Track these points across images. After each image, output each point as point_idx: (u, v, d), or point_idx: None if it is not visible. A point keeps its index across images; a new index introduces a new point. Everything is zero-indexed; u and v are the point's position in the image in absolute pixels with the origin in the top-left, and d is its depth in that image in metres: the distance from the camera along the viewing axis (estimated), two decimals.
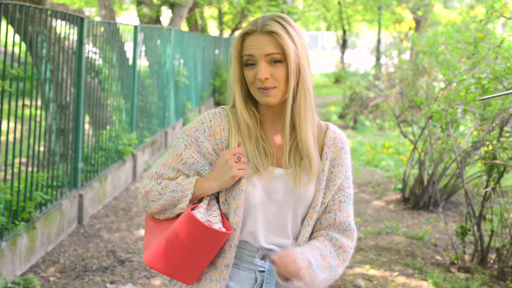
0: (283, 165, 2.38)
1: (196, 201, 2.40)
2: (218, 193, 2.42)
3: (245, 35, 2.34)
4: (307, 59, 2.37)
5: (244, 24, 22.06)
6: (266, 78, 2.27)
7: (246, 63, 2.33)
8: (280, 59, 2.29)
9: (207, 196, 2.39)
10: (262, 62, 2.29)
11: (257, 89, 2.31)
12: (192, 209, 2.33)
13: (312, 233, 2.46)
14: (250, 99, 2.40)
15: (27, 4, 5.72)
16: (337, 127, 2.50)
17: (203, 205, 2.36)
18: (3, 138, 5.45)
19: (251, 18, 20.44)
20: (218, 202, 2.42)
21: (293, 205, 2.38)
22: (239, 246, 2.39)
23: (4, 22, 6.23)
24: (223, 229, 2.31)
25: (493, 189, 5.81)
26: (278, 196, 2.37)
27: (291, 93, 2.33)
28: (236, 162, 2.33)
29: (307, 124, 2.37)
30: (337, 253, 2.40)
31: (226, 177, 2.31)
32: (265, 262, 2.39)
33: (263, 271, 2.40)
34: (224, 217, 2.38)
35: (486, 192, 5.91)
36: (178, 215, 2.38)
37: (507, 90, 5.56)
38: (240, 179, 2.35)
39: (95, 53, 8.29)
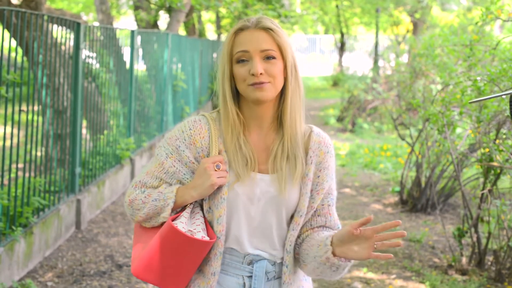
0: (267, 170, 2.37)
1: (179, 209, 2.39)
2: (202, 201, 2.41)
3: (238, 32, 2.34)
4: (296, 58, 2.38)
5: None
6: (261, 73, 2.27)
7: (238, 59, 2.32)
8: (274, 55, 2.30)
9: (190, 204, 2.38)
10: (256, 57, 2.28)
11: (249, 86, 2.29)
12: (174, 219, 2.33)
13: (299, 236, 2.45)
14: (235, 100, 2.38)
15: (24, 9, 5.73)
16: (321, 130, 2.48)
17: (185, 214, 2.35)
18: (0, 143, 5.46)
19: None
20: (202, 209, 2.41)
21: (277, 210, 2.37)
22: (226, 253, 2.39)
23: (0, 27, 6.23)
24: (206, 238, 2.31)
25: (490, 191, 5.82)
26: (260, 202, 2.36)
27: (279, 95, 2.35)
28: (216, 170, 2.31)
29: (297, 123, 2.37)
30: None
31: (205, 185, 2.30)
32: (252, 267, 2.38)
33: (251, 276, 2.39)
34: (209, 225, 2.37)
35: (483, 194, 5.91)
36: (163, 224, 2.38)
37: (503, 92, 5.57)
38: (221, 187, 2.33)
39: (92, 58, 8.29)
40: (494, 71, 5.53)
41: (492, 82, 5.58)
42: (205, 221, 2.38)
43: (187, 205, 2.38)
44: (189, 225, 2.33)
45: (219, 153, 2.37)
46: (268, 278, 2.41)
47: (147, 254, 2.34)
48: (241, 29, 2.33)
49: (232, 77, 2.36)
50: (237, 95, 2.38)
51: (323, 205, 2.43)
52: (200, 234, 2.30)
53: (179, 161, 2.38)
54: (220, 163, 2.33)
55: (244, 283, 2.40)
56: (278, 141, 2.37)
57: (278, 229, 2.40)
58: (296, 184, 2.37)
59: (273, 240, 2.40)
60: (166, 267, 2.33)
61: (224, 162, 2.34)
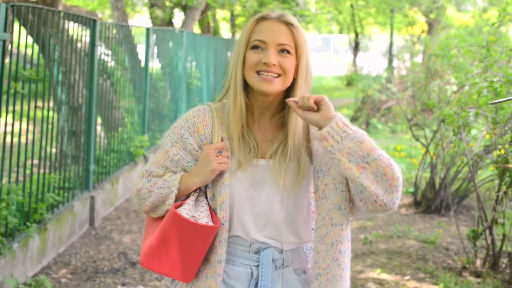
0: (267, 156, 2.39)
1: (184, 197, 2.41)
2: (206, 188, 2.42)
3: (260, 19, 2.35)
4: (310, 60, 2.39)
5: None
6: (274, 64, 2.28)
7: (253, 46, 2.32)
8: (290, 51, 2.31)
9: (195, 192, 2.40)
10: (272, 49, 2.30)
11: (256, 73, 2.30)
12: (178, 206, 2.35)
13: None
14: (244, 88, 2.38)
15: (40, 6, 5.74)
16: None
17: (189, 201, 2.37)
18: (16, 139, 5.49)
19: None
20: (207, 197, 2.42)
21: (280, 196, 2.37)
22: (231, 242, 2.40)
23: (17, 24, 6.25)
24: (210, 224, 2.32)
25: (505, 193, 5.79)
26: (263, 188, 2.37)
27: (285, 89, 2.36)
28: (217, 156, 2.33)
29: (301, 125, 2.39)
30: (397, 168, 2.21)
31: (206, 171, 2.33)
32: (259, 256, 2.38)
33: (258, 266, 2.39)
34: (213, 212, 2.38)
35: (498, 196, 5.88)
36: None
37: None
38: (223, 173, 2.36)
39: (108, 55, 8.31)
40: (510, 72, 5.50)
41: (508, 83, 5.54)
42: (209, 209, 2.39)
43: (191, 193, 2.40)
44: (194, 212, 2.36)
45: (221, 140, 2.39)
46: (276, 266, 2.41)
47: (153, 243, 2.36)
48: (263, 18, 2.35)
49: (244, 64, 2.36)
50: (246, 83, 2.38)
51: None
52: (204, 220, 2.32)
53: (183, 149, 2.41)
54: (222, 150, 2.35)
55: (252, 273, 2.40)
56: (281, 140, 2.39)
57: (288, 216, 2.39)
58: (301, 182, 2.37)
59: (280, 227, 2.39)
60: (173, 256, 2.34)
61: (226, 149, 2.37)
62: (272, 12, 2.35)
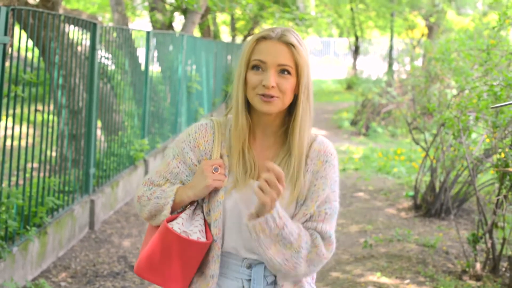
0: None
1: (180, 209, 2.43)
2: (203, 202, 2.44)
3: (260, 39, 2.34)
4: (311, 79, 2.39)
5: (256, 30, 22.08)
6: (272, 87, 2.28)
7: (253, 66, 2.32)
8: (290, 71, 2.31)
9: (191, 205, 2.43)
10: (272, 70, 2.29)
11: (258, 95, 2.31)
12: (172, 219, 2.38)
13: None
14: (246, 107, 2.40)
15: (40, 9, 5.75)
16: (326, 140, 2.46)
17: (183, 215, 2.40)
18: (16, 143, 5.49)
19: (263, 24, 20.47)
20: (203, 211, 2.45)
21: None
22: (225, 256, 2.41)
23: (17, 28, 6.26)
24: (202, 239, 2.34)
25: (505, 196, 5.78)
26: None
27: (287, 108, 2.38)
28: (213, 173, 2.35)
29: (304, 144, 2.37)
30: (310, 250, 2.32)
31: (201, 186, 2.35)
32: (251, 271, 2.39)
33: (250, 280, 2.40)
34: (208, 228, 2.40)
35: (498, 199, 5.87)
36: None
37: None
38: (218, 191, 2.37)
39: (108, 58, 8.31)
40: (510, 76, 5.50)
41: (508, 87, 5.54)
42: (205, 223, 2.41)
43: (187, 206, 2.43)
44: (187, 226, 2.37)
45: (220, 157, 2.41)
46: (267, 282, 2.41)
47: (147, 254, 2.39)
48: (263, 38, 2.34)
49: (246, 83, 2.36)
50: (248, 101, 2.39)
51: (320, 211, 2.38)
52: (196, 235, 2.34)
53: (183, 162, 2.44)
54: (219, 167, 2.37)
55: (243, 287, 2.40)
56: (282, 157, 2.39)
57: None
58: (293, 201, 2.37)
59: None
60: (165, 267, 2.37)
61: (223, 166, 2.39)
62: (272, 31, 2.33)
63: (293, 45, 2.30)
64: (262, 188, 2.17)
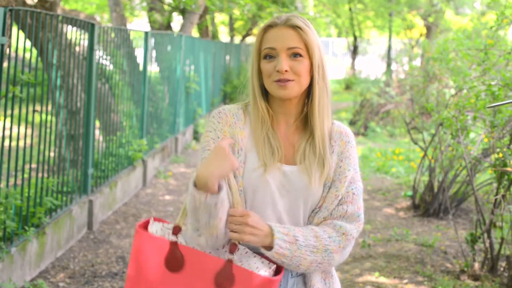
0: (294, 162, 2.37)
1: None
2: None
3: (267, 28, 2.36)
4: (324, 58, 2.40)
5: (255, 31, 22.10)
6: (286, 71, 2.29)
7: (265, 55, 2.34)
8: (301, 53, 2.32)
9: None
10: (283, 54, 2.31)
11: (274, 82, 2.31)
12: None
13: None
14: (263, 95, 2.40)
15: (38, 10, 5.75)
16: (342, 123, 2.50)
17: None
18: (14, 143, 5.48)
19: (262, 25, 20.44)
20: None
21: (304, 202, 2.36)
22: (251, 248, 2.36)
23: (15, 28, 6.26)
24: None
25: (503, 196, 5.79)
26: (287, 193, 2.35)
27: (307, 91, 2.38)
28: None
29: (325, 123, 2.39)
30: (339, 240, 2.33)
31: (224, 166, 2.16)
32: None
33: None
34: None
35: (496, 199, 5.88)
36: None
37: None
38: (236, 178, 2.32)
39: (106, 59, 8.31)
40: (508, 76, 5.50)
41: (506, 86, 5.55)
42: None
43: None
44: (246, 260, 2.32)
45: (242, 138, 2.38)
46: (291, 275, 2.39)
47: None
48: (270, 26, 2.36)
49: (260, 73, 2.38)
50: (266, 90, 2.40)
51: (347, 192, 2.39)
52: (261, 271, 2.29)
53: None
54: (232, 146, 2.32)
55: None
56: (305, 139, 2.39)
57: (305, 223, 2.40)
58: (323, 181, 2.37)
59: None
60: None
61: (235, 148, 2.34)
62: (277, 19, 2.35)
63: (299, 27, 2.32)
64: (234, 230, 2.19)
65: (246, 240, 2.20)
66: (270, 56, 2.33)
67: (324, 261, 2.31)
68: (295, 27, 2.32)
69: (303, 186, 2.34)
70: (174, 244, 2.24)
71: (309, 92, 2.39)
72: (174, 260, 2.24)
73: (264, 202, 2.34)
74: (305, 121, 2.42)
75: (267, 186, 2.33)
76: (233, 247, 2.22)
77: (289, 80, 2.29)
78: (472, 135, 7.76)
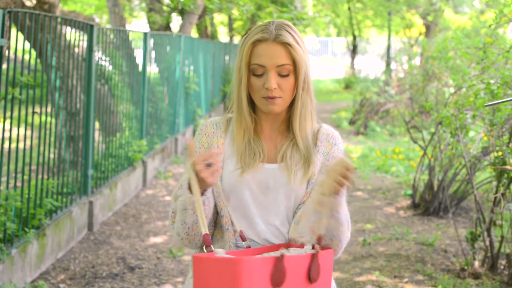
0: (276, 160, 2.43)
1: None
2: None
3: (256, 42, 2.36)
4: (309, 72, 2.43)
5: None
6: (275, 88, 2.33)
7: (254, 72, 2.36)
8: (289, 70, 2.35)
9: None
10: (272, 72, 2.33)
11: (262, 98, 2.36)
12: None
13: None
14: (250, 105, 2.45)
15: (37, 12, 5.75)
16: (331, 127, 2.54)
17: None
18: (13, 145, 5.49)
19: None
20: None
21: (287, 199, 2.40)
22: (249, 246, 2.39)
23: (14, 30, 6.26)
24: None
25: (503, 194, 5.79)
26: (270, 191, 2.40)
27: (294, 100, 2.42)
28: (207, 168, 2.22)
29: (307, 128, 2.44)
30: (350, 221, 2.39)
31: (197, 186, 2.22)
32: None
33: None
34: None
35: (496, 197, 5.88)
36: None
37: None
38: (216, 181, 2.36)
39: (105, 60, 8.32)
40: (507, 74, 5.51)
41: (505, 85, 5.55)
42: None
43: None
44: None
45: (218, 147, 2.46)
46: None
47: None
48: (259, 40, 2.35)
49: (248, 85, 2.41)
50: (251, 100, 2.45)
51: None
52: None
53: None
54: (212, 158, 2.23)
55: None
56: (289, 140, 2.44)
57: (288, 221, 2.43)
58: (306, 179, 2.40)
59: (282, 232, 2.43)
60: None
61: (216, 155, 2.25)
62: (267, 32, 2.34)
63: (289, 45, 2.33)
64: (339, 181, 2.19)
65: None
66: (259, 71, 2.35)
67: (347, 219, 2.34)
68: (285, 44, 2.33)
69: (283, 182, 2.38)
70: (279, 259, 2.11)
71: (292, 103, 2.43)
72: (279, 273, 2.11)
73: (246, 200, 2.40)
74: (289, 124, 2.47)
75: (247, 185, 2.39)
76: (320, 239, 2.24)
77: (276, 97, 2.35)
78: (471, 133, 7.76)
